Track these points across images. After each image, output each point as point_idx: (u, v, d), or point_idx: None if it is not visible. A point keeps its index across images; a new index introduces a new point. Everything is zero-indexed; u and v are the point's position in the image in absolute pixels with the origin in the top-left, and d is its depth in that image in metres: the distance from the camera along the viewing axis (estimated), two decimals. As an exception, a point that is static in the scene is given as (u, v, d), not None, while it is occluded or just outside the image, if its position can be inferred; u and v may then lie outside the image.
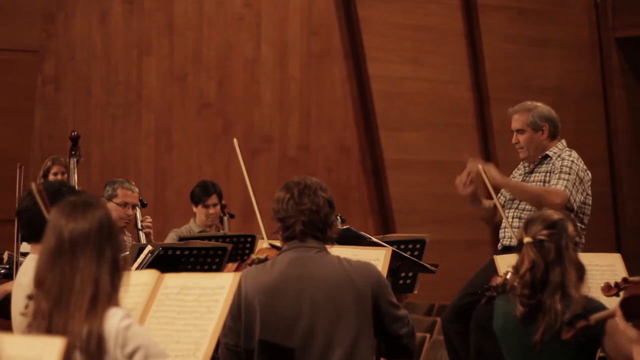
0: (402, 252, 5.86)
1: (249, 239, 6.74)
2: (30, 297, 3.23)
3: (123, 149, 10.56)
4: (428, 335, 8.37)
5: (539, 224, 4.16)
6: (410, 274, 6.09)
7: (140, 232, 7.53)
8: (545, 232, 4.13)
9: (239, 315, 4.25)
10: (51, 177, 8.19)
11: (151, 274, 4.14)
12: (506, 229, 6.50)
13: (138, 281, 4.04)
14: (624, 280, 4.31)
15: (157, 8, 10.70)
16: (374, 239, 5.78)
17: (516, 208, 6.53)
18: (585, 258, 4.31)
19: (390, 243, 5.78)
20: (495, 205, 6.73)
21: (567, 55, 12.40)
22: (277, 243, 4.72)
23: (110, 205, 7.00)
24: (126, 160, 10.56)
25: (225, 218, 8.82)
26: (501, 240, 6.56)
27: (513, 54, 11.99)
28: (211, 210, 8.37)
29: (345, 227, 5.77)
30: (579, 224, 6.35)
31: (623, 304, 3.66)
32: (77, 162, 7.98)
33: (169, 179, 10.69)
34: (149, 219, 7.57)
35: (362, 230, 6.13)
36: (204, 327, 3.86)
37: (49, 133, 10.26)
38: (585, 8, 12.62)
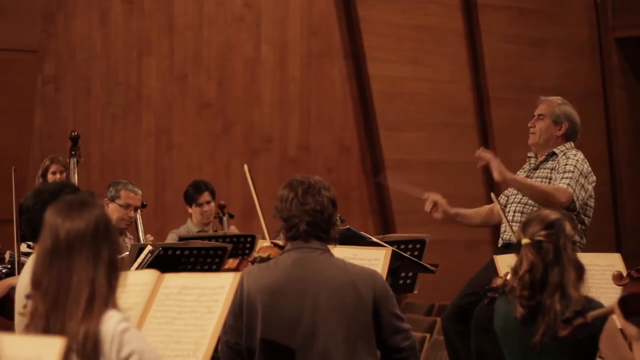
0: (402, 252, 5.86)
1: (249, 239, 6.74)
2: (28, 297, 3.23)
3: (123, 149, 10.56)
4: (428, 335, 8.37)
5: (536, 224, 4.16)
6: (410, 274, 6.09)
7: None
8: (543, 232, 4.13)
9: (241, 314, 4.24)
10: (50, 177, 8.19)
11: (151, 274, 4.14)
12: (510, 223, 6.49)
13: (138, 281, 4.04)
14: (637, 270, 4.30)
15: (157, 8, 10.70)
16: (374, 239, 5.78)
17: (518, 203, 6.52)
18: (585, 258, 4.32)
19: (390, 243, 5.78)
20: (491, 210, 6.74)
21: (567, 55, 12.40)
22: (279, 242, 4.71)
23: (112, 206, 7.00)
24: (126, 160, 10.57)
25: (225, 218, 8.83)
26: (501, 236, 6.56)
27: (513, 54, 11.99)
28: (205, 208, 8.39)
29: (345, 227, 5.76)
30: (580, 225, 6.35)
31: (621, 303, 3.66)
32: (77, 162, 7.99)
33: (169, 179, 10.69)
34: (151, 238, 7.58)
35: (362, 230, 6.13)
36: (204, 327, 3.86)
37: (49, 133, 10.26)
38: (585, 8, 12.62)
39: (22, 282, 4.16)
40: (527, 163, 6.69)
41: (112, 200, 7.08)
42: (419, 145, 11.59)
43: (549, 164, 6.51)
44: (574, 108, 6.69)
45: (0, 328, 3.58)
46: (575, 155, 6.47)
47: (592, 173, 6.48)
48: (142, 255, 5.62)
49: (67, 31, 10.39)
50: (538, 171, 6.55)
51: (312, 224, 4.23)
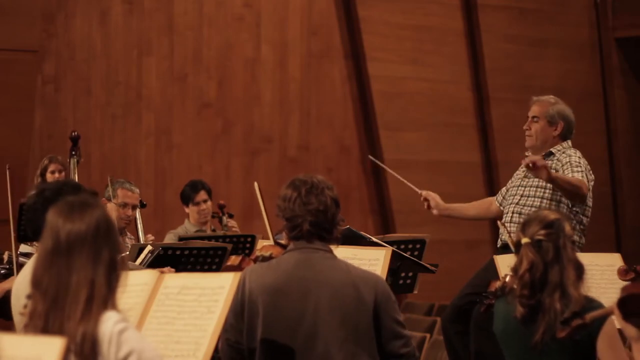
0: (402, 252, 5.86)
1: (249, 239, 6.75)
2: (29, 297, 3.23)
3: (123, 149, 10.57)
4: (428, 335, 8.37)
5: (536, 224, 4.17)
6: (410, 274, 6.09)
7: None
8: (542, 232, 4.14)
9: (242, 313, 4.23)
10: (49, 176, 8.19)
11: (151, 274, 4.14)
12: (506, 224, 6.49)
13: (138, 281, 4.04)
14: None
15: (157, 8, 10.70)
16: (374, 239, 5.78)
17: (516, 204, 6.53)
18: (585, 258, 4.32)
19: (390, 243, 5.78)
20: (487, 205, 6.78)
21: (567, 55, 12.40)
22: (282, 241, 4.70)
23: (110, 206, 7.01)
24: (126, 160, 10.57)
25: (225, 218, 8.83)
26: (500, 236, 6.56)
27: (513, 54, 11.99)
28: (202, 207, 8.40)
29: (345, 227, 5.75)
30: (578, 225, 6.35)
31: (620, 303, 3.66)
32: (77, 162, 7.99)
33: (169, 179, 10.69)
34: (152, 238, 7.58)
35: (362, 230, 6.13)
36: (204, 327, 3.86)
37: (49, 133, 10.27)
38: (585, 8, 12.62)
39: (22, 282, 4.16)
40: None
41: (110, 199, 7.09)
42: (419, 145, 11.59)
43: (548, 163, 6.50)
44: (567, 105, 6.68)
45: (0, 328, 3.57)
46: (575, 153, 6.48)
47: (590, 172, 6.49)
48: (142, 255, 5.63)
49: (67, 31, 10.39)
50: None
51: (315, 224, 4.22)
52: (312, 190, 4.24)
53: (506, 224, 6.48)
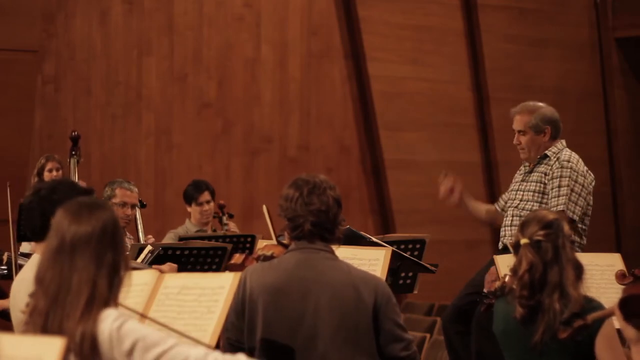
0: (402, 252, 5.85)
1: (249, 239, 6.74)
2: (32, 295, 3.24)
3: (123, 149, 10.57)
4: (428, 335, 8.37)
5: (534, 224, 4.16)
6: (410, 274, 6.08)
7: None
8: (541, 232, 4.14)
9: (243, 311, 4.24)
10: (46, 175, 8.18)
11: (151, 274, 4.15)
12: (507, 228, 6.49)
13: (138, 281, 4.04)
14: None
15: (157, 8, 10.70)
16: (374, 239, 5.78)
17: (515, 207, 6.54)
18: (585, 258, 4.32)
19: (390, 243, 5.77)
20: (495, 210, 6.75)
21: (567, 55, 12.40)
22: (284, 241, 4.70)
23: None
24: (126, 160, 10.57)
25: (224, 218, 8.83)
26: (502, 239, 6.56)
27: (513, 54, 11.99)
28: (205, 207, 8.38)
29: (345, 227, 5.75)
30: (580, 225, 6.34)
31: (621, 304, 3.66)
32: (78, 162, 7.99)
33: (169, 179, 10.69)
34: (152, 239, 7.57)
35: (362, 230, 6.13)
36: (204, 327, 3.86)
37: (49, 133, 10.27)
38: (585, 8, 12.62)
39: (20, 282, 4.16)
40: (523, 166, 6.69)
41: (108, 199, 7.08)
42: (419, 145, 11.58)
43: (542, 168, 6.49)
44: (546, 105, 6.65)
45: (0, 328, 3.58)
46: (568, 161, 6.42)
47: (588, 172, 6.46)
48: (142, 255, 5.63)
49: (67, 31, 10.39)
50: (532, 174, 6.55)
51: (317, 224, 4.22)
52: (314, 190, 4.23)
53: (507, 227, 6.48)
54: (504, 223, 6.56)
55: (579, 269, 4.14)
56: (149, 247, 5.71)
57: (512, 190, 6.65)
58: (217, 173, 10.73)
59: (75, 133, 8.10)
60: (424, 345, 8.21)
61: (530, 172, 6.57)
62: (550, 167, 6.44)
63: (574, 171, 6.37)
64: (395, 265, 5.74)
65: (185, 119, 10.81)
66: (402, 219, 11.34)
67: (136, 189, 7.26)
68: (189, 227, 8.38)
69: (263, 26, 11.12)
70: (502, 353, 4.32)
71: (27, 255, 5.92)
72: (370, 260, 5.23)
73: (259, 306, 4.21)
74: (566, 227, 4.18)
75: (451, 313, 6.57)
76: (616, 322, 3.82)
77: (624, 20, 12.58)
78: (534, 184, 6.48)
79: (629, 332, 3.64)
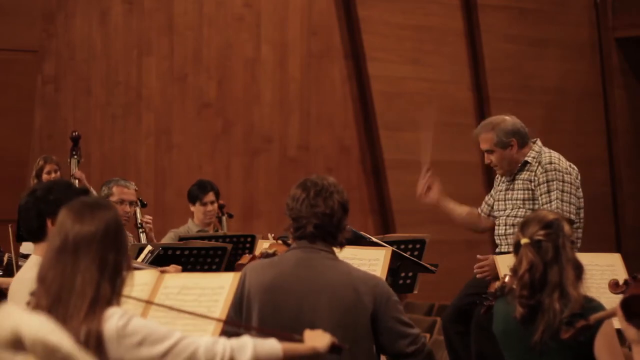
0: (402, 252, 5.85)
1: (249, 239, 6.74)
2: (32, 294, 3.25)
3: (123, 149, 10.57)
4: (428, 335, 8.37)
5: (535, 224, 4.16)
6: (410, 274, 6.09)
7: (141, 230, 7.54)
8: (542, 232, 4.13)
9: (240, 308, 4.25)
10: (45, 177, 8.18)
11: (151, 274, 4.15)
12: (501, 237, 6.43)
13: (138, 281, 4.03)
14: (633, 277, 4.29)
15: (157, 8, 10.70)
16: (374, 239, 5.77)
17: (507, 216, 6.44)
18: (585, 258, 4.31)
19: (390, 243, 5.77)
20: (478, 214, 6.68)
21: (567, 55, 12.40)
22: (288, 240, 4.71)
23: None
24: (126, 160, 10.57)
25: (224, 218, 8.83)
26: (499, 249, 6.50)
27: (513, 54, 11.99)
28: (209, 208, 8.36)
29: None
30: (576, 220, 6.30)
31: (623, 304, 3.66)
32: (78, 162, 7.99)
33: (169, 179, 10.69)
34: (149, 217, 7.56)
35: (362, 230, 6.12)
36: (204, 327, 3.86)
37: (49, 133, 10.27)
38: (585, 8, 12.63)
39: (19, 282, 4.16)
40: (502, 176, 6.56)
41: (106, 198, 7.07)
42: (419, 145, 11.56)
43: (524, 175, 6.36)
44: (505, 115, 6.53)
45: None
46: (550, 161, 6.31)
47: (571, 165, 6.32)
48: (142, 255, 5.63)
49: (67, 31, 10.39)
50: (515, 182, 6.41)
51: (320, 227, 4.21)
52: (320, 193, 4.22)
53: (501, 237, 6.42)
54: (496, 232, 6.47)
55: (579, 269, 4.14)
56: (149, 247, 5.72)
57: (498, 201, 6.52)
58: (217, 173, 10.73)
59: (76, 133, 8.10)
60: (424, 346, 8.21)
61: (513, 180, 6.44)
62: (534, 173, 6.31)
63: (559, 171, 6.27)
64: (395, 265, 5.73)
65: (185, 119, 10.81)
66: (402, 219, 11.33)
67: (134, 186, 7.22)
68: (191, 226, 8.37)
69: (263, 26, 11.12)
70: (502, 353, 4.32)
71: (28, 257, 5.92)
72: (370, 260, 5.23)
73: (255, 304, 4.22)
74: (566, 227, 4.18)
75: (451, 313, 6.56)
76: (617, 322, 3.82)
77: (624, 20, 12.58)
78: (521, 192, 6.38)
79: (631, 332, 3.63)
